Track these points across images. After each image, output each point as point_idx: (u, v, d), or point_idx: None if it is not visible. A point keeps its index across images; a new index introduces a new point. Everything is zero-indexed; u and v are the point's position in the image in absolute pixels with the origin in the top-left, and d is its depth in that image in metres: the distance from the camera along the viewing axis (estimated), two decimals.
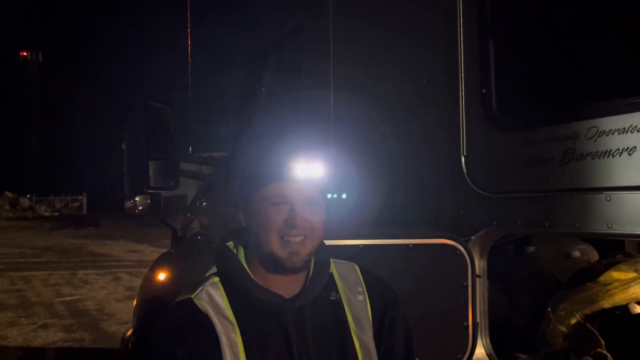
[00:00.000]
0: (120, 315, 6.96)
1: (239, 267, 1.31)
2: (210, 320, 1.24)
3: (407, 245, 1.78)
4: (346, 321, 1.31)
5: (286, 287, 1.30)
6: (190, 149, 4.22)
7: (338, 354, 1.28)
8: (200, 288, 1.29)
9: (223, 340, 1.22)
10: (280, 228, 1.25)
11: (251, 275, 1.30)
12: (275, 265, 1.27)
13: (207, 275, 1.34)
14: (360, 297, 1.34)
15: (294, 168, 1.26)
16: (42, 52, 60.61)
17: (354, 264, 1.41)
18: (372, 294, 1.36)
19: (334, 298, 1.33)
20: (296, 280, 1.31)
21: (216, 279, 1.32)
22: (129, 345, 3.59)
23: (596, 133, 1.47)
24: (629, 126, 1.41)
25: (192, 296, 1.28)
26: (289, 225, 1.25)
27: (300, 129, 2.30)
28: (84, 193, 40.67)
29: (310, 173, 1.27)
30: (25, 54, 58.69)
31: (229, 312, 1.26)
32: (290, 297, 1.28)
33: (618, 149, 1.42)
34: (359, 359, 1.28)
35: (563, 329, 1.74)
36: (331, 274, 1.36)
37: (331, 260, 1.39)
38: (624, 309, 1.76)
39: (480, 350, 1.80)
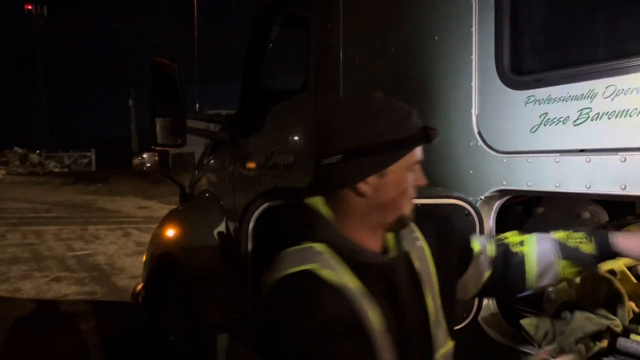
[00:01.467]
0: (131, 269, 7.10)
1: (338, 233, 1.24)
2: (344, 291, 1.16)
3: (416, 205, 1.77)
4: (414, 268, 1.31)
5: (375, 245, 1.28)
6: (197, 105, 4.19)
7: (418, 300, 1.29)
8: (317, 259, 1.18)
9: (365, 306, 1.17)
10: (413, 191, 1.26)
11: (353, 239, 1.24)
12: (397, 225, 1.28)
13: (299, 246, 1.21)
14: (418, 242, 1.35)
15: (434, 131, 1.25)
16: (47, 6, 59.73)
17: None
18: (426, 234, 1.37)
19: (405, 250, 1.32)
20: (388, 238, 1.32)
21: (320, 246, 1.21)
22: (139, 299, 3.67)
23: (614, 92, 1.43)
24: None
25: (313, 268, 1.16)
26: (418, 186, 1.27)
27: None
28: (92, 149, 40.89)
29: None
30: (29, 7, 57.84)
31: (351, 279, 1.19)
32: (384, 255, 1.28)
33: (636, 109, 1.38)
34: (429, 304, 1.30)
35: (568, 287, 1.75)
36: None
37: None
38: (633, 270, 1.76)
39: (486, 309, 1.81)
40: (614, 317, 1.59)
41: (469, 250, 1.45)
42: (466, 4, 1.79)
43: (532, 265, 1.44)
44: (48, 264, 7.53)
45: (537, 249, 1.45)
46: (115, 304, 5.58)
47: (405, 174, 1.23)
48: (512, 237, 1.50)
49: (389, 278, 1.24)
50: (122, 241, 9.41)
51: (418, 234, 1.36)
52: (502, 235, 1.53)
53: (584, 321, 1.56)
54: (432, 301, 1.31)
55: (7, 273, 6.97)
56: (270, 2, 3.07)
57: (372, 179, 1.21)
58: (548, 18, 1.71)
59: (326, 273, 1.15)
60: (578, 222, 2.14)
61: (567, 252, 1.42)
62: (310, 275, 1.14)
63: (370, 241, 1.26)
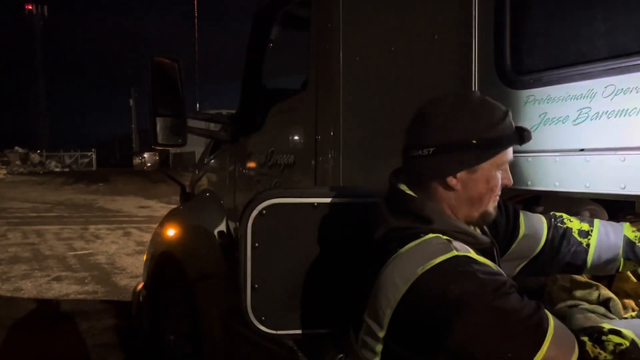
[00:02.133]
0: (131, 269, 7.11)
1: (451, 222, 1.27)
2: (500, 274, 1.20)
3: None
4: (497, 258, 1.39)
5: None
6: (197, 105, 4.19)
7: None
8: (453, 246, 1.18)
9: None
10: (499, 189, 1.32)
11: (470, 230, 1.32)
12: (481, 221, 1.33)
13: (421, 239, 1.21)
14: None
15: (528, 132, 1.30)
16: (47, 6, 59.73)
17: None
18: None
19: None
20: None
21: (443, 237, 1.21)
22: (140, 298, 3.68)
23: (613, 91, 1.43)
24: None
25: (463, 254, 1.17)
26: (505, 185, 1.32)
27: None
28: (93, 149, 40.91)
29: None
30: (30, 7, 57.84)
31: (496, 269, 1.22)
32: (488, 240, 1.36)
33: (635, 108, 1.38)
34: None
35: (569, 287, 1.75)
36: None
37: None
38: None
39: None
40: (613, 316, 1.59)
41: (515, 230, 1.53)
42: (466, 4, 1.79)
43: (593, 257, 1.52)
44: (49, 264, 7.54)
45: (603, 243, 1.52)
46: (116, 303, 5.58)
47: (495, 172, 1.28)
48: (576, 222, 1.56)
49: (495, 260, 1.33)
50: (122, 241, 9.42)
51: None
52: (564, 217, 1.59)
53: (583, 320, 1.56)
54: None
55: (8, 272, 6.98)
56: (271, 2, 3.08)
57: (462, 174, 1.26)
58: (548, 17, 1.71)
59: (478, 258, 1.18)
60: None
61: (634, 255, 1.48)
62: (460, 258, 1.15)
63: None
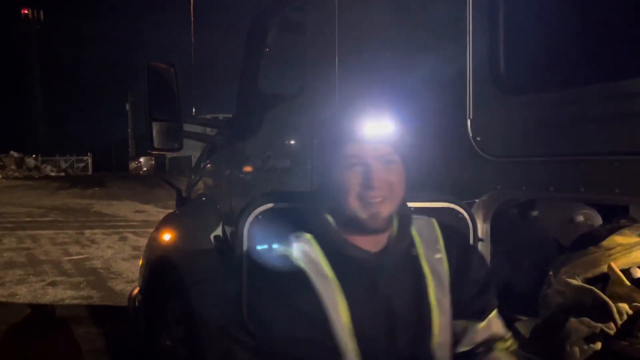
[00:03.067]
0: (127, 274, 7.07)
1: (329, 225, 1.31)
2: (309, 280, 1.25)
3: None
4: (424, 278, 1.32)
5: (372, 244, 1.31)
6: (194, 110, 4.19)
7: (416, 310, 1.30)
8: (294, 245, 1.29)
9: (324, 296, 1.24)
10: (358, 190, 1.25)
11: (340, 233, 1.30)
12: (358, 227, 1.28)
13: (293, 234, 1.32)
14: (438, 252, 1.36)
15: (365, 127, 1.25)
16: (43, 10, 59.64)
17: (432, 219, 1.42)
18: (449, 249, 1.37)
19: (413, 254, 1.34)
20: (379, 239, 1.32)
21: (308, 235, 1.31)
22: (136, 303, 3.66)
23: (606, 97, 1.44)
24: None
25: (287, 253, 1.28)
26: (366, 187, 1.25)
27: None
28: (89, 153, 40.79)
29: (382, 131, 1.26)
30: (26, 11, 57.73)
31: (327, 270, 1.27)
32: (376, 253, 1.30)
33: (628, 113, 1.40)
34: (433, 316, 1.31)
35: (564, 291, 1.76)
36: (411, 231, 1.37)
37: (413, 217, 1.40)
38: (626, 273, 1.77)
39: None
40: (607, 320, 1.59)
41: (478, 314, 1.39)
42: (461, 9, 1.81)
43: None
44: (44, 269, 7.50)
45: None
46: (112, 308, 5.56)
47: (344, 171, 1.26)
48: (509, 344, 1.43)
49: (369, 274, 1.28)
50: (118, 245, 9.38)
51: (442, 245, 1.37)
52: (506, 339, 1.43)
53: (577, 324, 1.57)
54: (439, 306, 1.32)
55: (2, 277, 6.94)
56: (267, 7, 3.09)
57: (323, 176, 1.32)
58: (542, 23, 1.72)
59: (295, 260, 1.26)
60: (572, 225, 2.15)
61: None
62: (285, 260, 1.27)
63: (363, 240, 1.30)
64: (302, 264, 1.26)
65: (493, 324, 1.40)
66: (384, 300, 1.28)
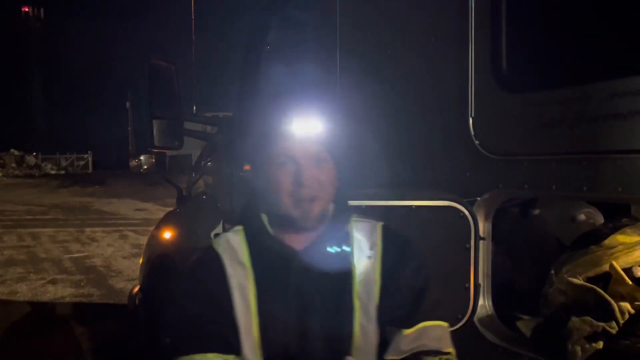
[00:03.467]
0: (127, 272, 7.07)
1: (258, 219, 1.35)
2: (221, 263, 1.32)
3: (410, 206, 1.77)
4: (351, 278, 1.33)
5: (301, 241, 1.33)
6: (194, 108, 4.18)
7: (337, 309, 1.31)
8: (223, 234, 1.40)
9: (233, 282, 1.30)
10: (290, 189, 1.27)
11: (268, 228, 1.34)
12: (290, 225, 1.31)
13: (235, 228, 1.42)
14: (372, 258, 1.35)
15: (294, 126, 1.26)
16: (43, 8, 59.59)
17: (378, 224, 1.41)
18: (387, 252, 1.35)
19: (343, 254, 1.34)
20: (311, 235, 1.34)
21: (239, 227, 1.39)
22: (136, 301, 3.66)
23: (609, 95, 1.44)
24: None
25: (213, 241, 1.39)
26: (297, 185, 1.26)
27: (301, 87, 2.27)
28: (89, 152, 40.79)
29: (312, 129, 1.27)
30: (27, 9, 57.67)
31: (245, 258, 1.33)
32: (300, 249, 1.32)
33: (631, 112, 1.39)
34: (354, 316, 1.31)
35: (565, 290, 1.75)
36: (348, 232, 1.37)
37: (354, 218, 1.40)
38: (628, 272, 1.76)
39: (482, 311, 1.82)
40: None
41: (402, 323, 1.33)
42: (463, 6, 1.80)
43: None
44: (44, 266, 7.50)
45: None
46: (112, 306, 5.56)
47: (274, 169, 1.28)
48: None
49: (288, 268, 1.30)
50: (119, 243, 9.38)
51: (379, 249, 1.36)
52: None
53: (579, 323, 1.57)
54: (362, 309, 1.31)
55: (3, 275, 6.95)
56: (268, 4, 3.08)
57: (256, 176, 1.35)
58: (544, 21, 1.72)
59: (215, 246, 1.35)
60: (574, 224, 2.15)
61: None
62: (207, 246, 1.37)
63: (295, 238, 1.33)
64: (220, 250, 1.34)
65: (425, 335, 1.32)
66: (301, 295, 1.29)
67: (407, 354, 1.31)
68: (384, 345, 1.34)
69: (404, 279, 1.35)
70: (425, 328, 1.32)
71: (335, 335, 1.30)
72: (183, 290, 1.37)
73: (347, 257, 1.34)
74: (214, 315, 1.29)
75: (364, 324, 1.32)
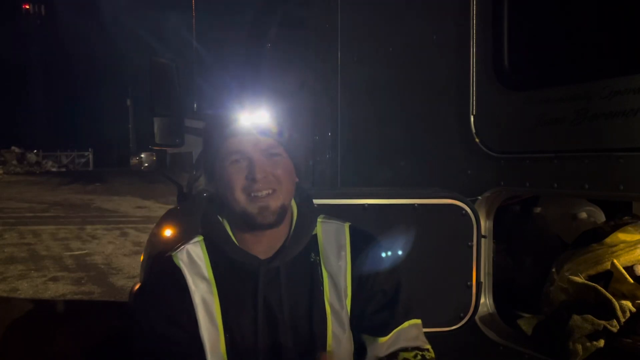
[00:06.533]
0: (128, 269, 7.08)
1: (219, 227, 1.30)
2: (183, 279, 1.26)
3: (412, 205, 1.77)
4: (321, 285, 1.29)
5: (266, 246, 1.28)
6: (195, 105, 4.18)
7: (308, 318, 1.27)
8: (182, 246, 1.31)
9: (196, 299, 1.25)
10: (244, 185, 1.23)
11: (231, 236, 1.29)
12: (249, 223, 1.25)
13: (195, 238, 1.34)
14: (342, 260, 1.31)
15: (240, 120, 1.24)
16: (44, 5, 59.53)
17: (346, 224, 1.36)
18: (356, 256, 1.31)
19: (312, 260, 1.30)
20: (276, 239, 1.29)
21: (200, 237, 1.32)
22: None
23: (610, 93, 1.43)
24: None
25: (173, 254, 1.30)
26: (250, 180, 1.23)
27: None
28: (90, 149, 40.78)
29: (259, 122, 1.24)
30: (27, 6, 57.64)
31: (207, 271, 1.27)
32: (266, 258, 1.27)
33: (632, 109, 1.39)
34: (327, 325, 1.27)
35: (567, 289, 1.75)
36: (315, 234, 1.33)
37: (320, 219, 1.36)
38: (629, 270, 1.76)
39: (483, 309, 1.82)
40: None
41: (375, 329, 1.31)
42: (465, 5, 1.80)
43: None
44: (45, 264, 7.50)
45: None
46: (113, 303, 5.56)
47: (227, 167, 1.25)
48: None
49: (254, 278, 1.26)
50: (119, 241, 9.38)
51: (347, 252, 1.32)
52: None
53: (580, 321, 1.57)
54: (334, 316, 1.28)
55: (4, 273, 6.95)
56: (269, 3, 3.07)
57: (211, 176, 1.33)
58: (546, 19, 1.71)
59: (176, 260, 1.28)
60: (575, 222, 2.15)
61: None
62: (168, 260, 1.30)
63: (258, 241, 1.28)
64: (182, 264, 1.27)
65: (401, 337, 1.30)
66: (269, 307, 1.25)
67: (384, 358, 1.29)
68: (359, 351, 1.32)
69: (377, 283, 1.31)
70: (400, 331, 1.30)
71: (308, 347, 1.26)
72: (143, 309, 1.31)
73: (316, 263, 1.30)
74: (177, 336, 1.24)
75: (337, 333, 1.28)
